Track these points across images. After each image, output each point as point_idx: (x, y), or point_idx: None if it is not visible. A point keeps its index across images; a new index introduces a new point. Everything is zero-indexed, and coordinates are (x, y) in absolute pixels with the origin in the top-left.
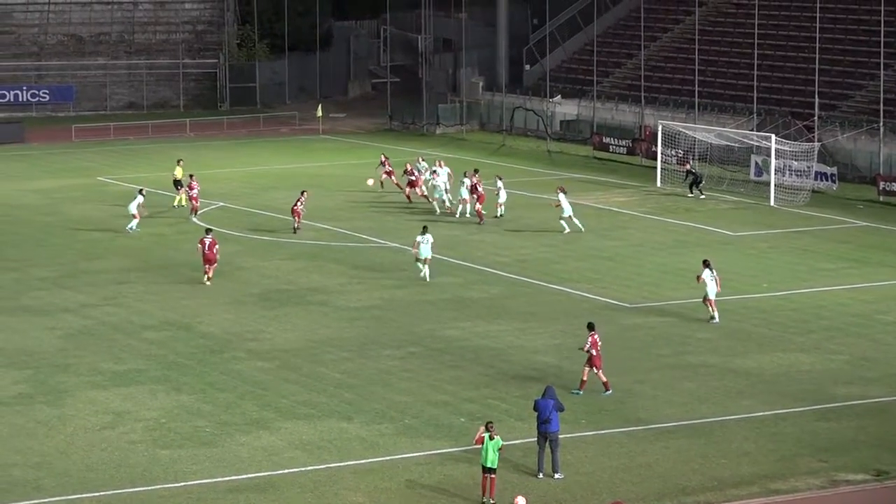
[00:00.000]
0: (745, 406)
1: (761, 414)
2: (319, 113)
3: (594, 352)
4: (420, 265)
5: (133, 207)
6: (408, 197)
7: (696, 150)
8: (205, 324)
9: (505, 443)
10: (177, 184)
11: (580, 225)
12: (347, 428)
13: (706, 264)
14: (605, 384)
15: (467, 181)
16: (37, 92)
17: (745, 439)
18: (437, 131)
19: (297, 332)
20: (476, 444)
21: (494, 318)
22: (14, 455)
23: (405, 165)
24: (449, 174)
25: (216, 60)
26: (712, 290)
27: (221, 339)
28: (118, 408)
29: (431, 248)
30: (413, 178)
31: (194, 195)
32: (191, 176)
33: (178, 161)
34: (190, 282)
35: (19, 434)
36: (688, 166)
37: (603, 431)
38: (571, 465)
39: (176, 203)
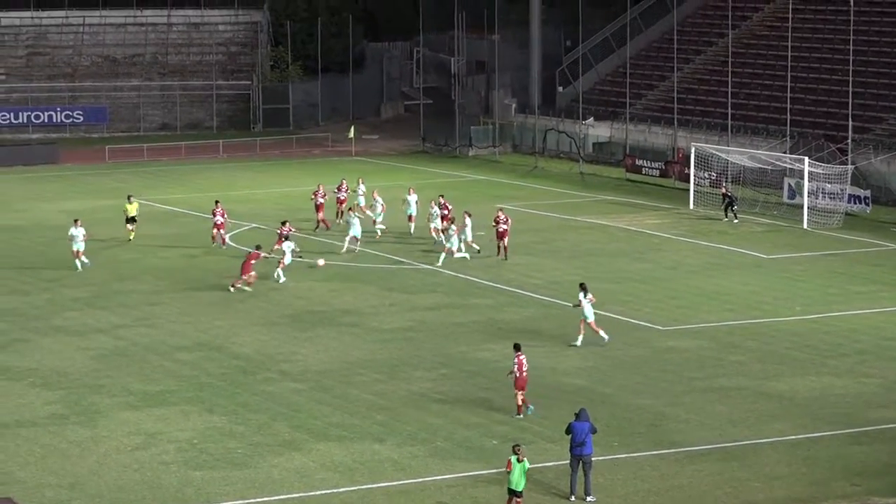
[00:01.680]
0: (777, 429)
1: (794, 437)
2: (352, 134)
3: (518, 374)
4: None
5: (80, 243)
6: (322, 222)
7: (730, 172)
8: (237, 345)
9: (537, 465)
10: (130, 220)
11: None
12: (379, 450)
13: (582, 287)
14: (518, 407)
15: (436, 209)
16: (71, 113)
17: (778, 463)
18: (470, 153)
19: (330, 354)
20: (507, 470)
21: (527, 341)
22: (47, 475)
23: (317, 185)
24: (382, 205)
25: (249, 82)
26: (590, 312)
27: (254, 361)
28: (151, 429)
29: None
30: (322, 201)
31: (220, 222)
32: (216, 202)
33: (129, 197)
34: (222, 303)
35: (52, 454)
36: (724, 190)
37: (636, 454)
38: (604, 487)
39: (132, 237)
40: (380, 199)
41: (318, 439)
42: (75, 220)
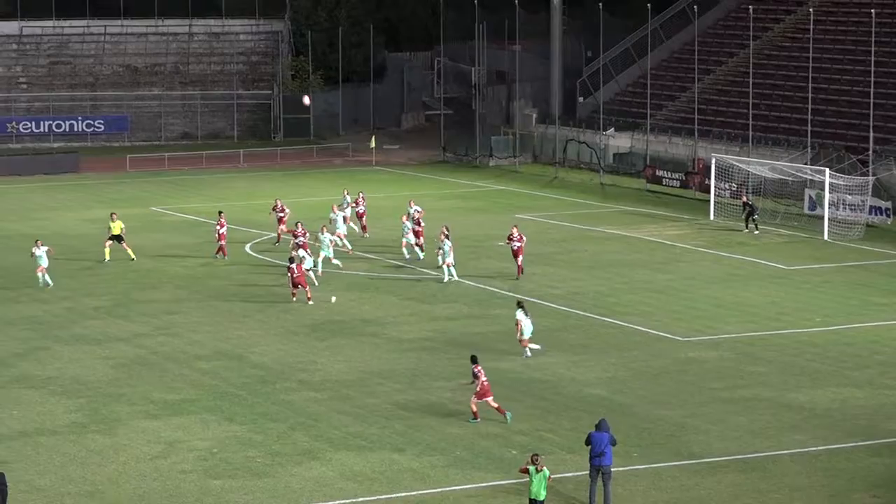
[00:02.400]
0: (798, 441)
1: (814, 449)
2: (373, 144)
3: (478, 383)
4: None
5: (44, 261)
6: (278, 236)
7: (750, 183)
8: (257, 354)
9: (557, 475)
10: (116, 239)
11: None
12: (399, 459)
13: (520, 305)
14: (498, 409)
15: (407, 224)
16: (92, 122)
17: (798, 474)
18: (491, 163)
19: (349, 363)
20: (520, 471)
21: (546, 351)
22: (67, 484)
23: (275, 201)
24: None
25: (270, 91)
26: (528, 329)
27: (273, 370)
28: (170, 437)
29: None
30: (282, 214)
31: (223, 233)
32: (220, 213)
33: (112, 215)
34: (242, 312)
35: (72, 463)
36: (744, 198)
37: (655, 465)
38: (623, 498)
39: (107, 257)
40: (339, 214)
41: (338, 449)
42: (37, 241)
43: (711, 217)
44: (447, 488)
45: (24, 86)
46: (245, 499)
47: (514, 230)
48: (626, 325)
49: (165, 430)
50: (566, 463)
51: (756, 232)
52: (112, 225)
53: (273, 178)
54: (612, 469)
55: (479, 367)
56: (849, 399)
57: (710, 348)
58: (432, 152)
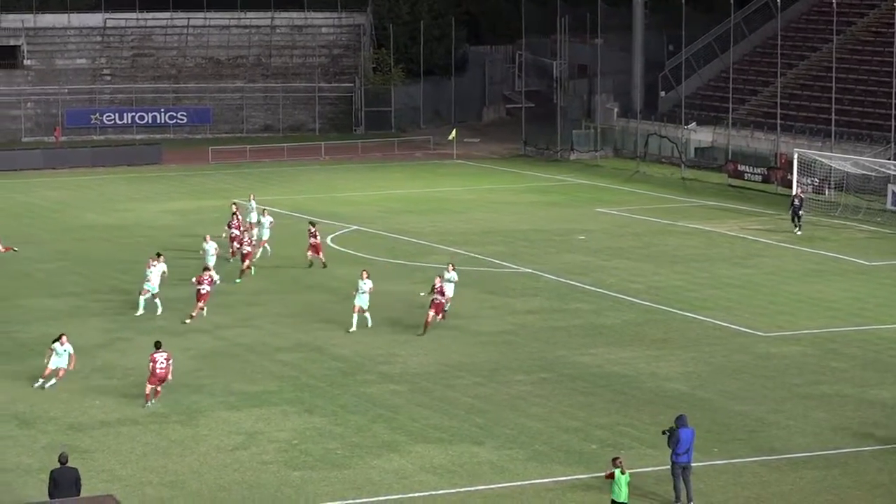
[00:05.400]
0: (880, 437)
1: None
2: (452, 136)
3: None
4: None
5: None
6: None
7: (832, 178)
8: (337, 346)
9: (636, 470)
10: None
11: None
12: (478, 452)
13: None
14: (147, 396)
15: (210, 245)
16: (175, 114)
17: (880, 471)
18: (572, 157)
19: (429, 356)
20: (606, 478)
21: (627, 345)
22: (148, 474)
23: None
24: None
25: (352, 84)
26: (63, 361)
27: (353, 362)
28: (251, 428)
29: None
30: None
31: (235, 235)
32: (233, 213)
33: None
34: (321, 304)
35: (154, 453)
36: (798, 189)
37: (735, 460)
38: (704, 494)
39: None
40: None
41: (417, 441)
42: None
43: None
44: (526, 482)
45: (108, 77)
46: (325, 490)
47: (437, 280)
48: (705, 319)
49: (246, 421)
50: (646, 458)
51: (798, 232)
52: None
53: (354, 170)
54: (693, 464)
55: (155, 355)
56: None
57: (791, 344)
58: (513, 146)
